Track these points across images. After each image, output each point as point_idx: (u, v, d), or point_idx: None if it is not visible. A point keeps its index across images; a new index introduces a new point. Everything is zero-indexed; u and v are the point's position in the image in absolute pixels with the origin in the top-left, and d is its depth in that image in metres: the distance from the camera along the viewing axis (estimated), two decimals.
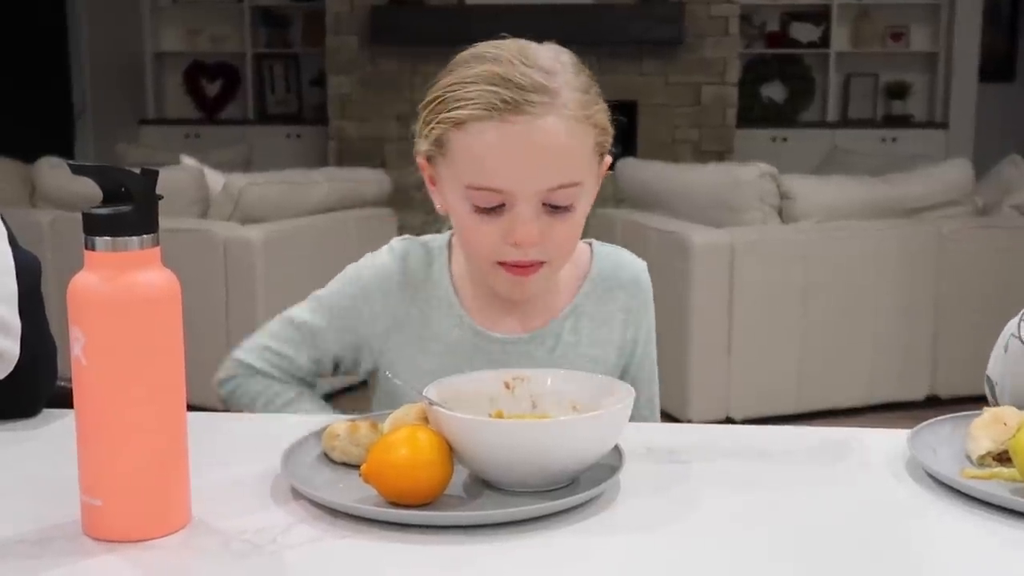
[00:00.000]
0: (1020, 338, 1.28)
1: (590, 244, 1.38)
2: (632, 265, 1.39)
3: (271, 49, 7.48)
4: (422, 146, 1.25)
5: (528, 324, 1.32)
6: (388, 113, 6.82)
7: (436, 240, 1.36)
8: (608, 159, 1.28)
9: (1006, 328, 1.36)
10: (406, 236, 1.38)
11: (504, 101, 1.16)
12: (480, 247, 1.23)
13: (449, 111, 1.19)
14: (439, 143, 1.22)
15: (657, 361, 1.44)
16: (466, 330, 1.31)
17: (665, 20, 6.57)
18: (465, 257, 1.30)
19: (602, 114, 1.23)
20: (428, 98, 1.24)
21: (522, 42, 1.22)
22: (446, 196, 1.25)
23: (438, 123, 1.21)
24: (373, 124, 6.85)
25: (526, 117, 1.17)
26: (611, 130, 1.25)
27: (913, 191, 4.07)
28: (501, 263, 1.23)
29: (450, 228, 1.35)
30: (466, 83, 1.19)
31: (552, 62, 1.20)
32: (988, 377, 1.36)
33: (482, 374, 1.15)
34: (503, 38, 1.23)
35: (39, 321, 1.31)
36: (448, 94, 1.20)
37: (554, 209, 1.21)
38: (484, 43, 1.23)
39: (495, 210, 1.20)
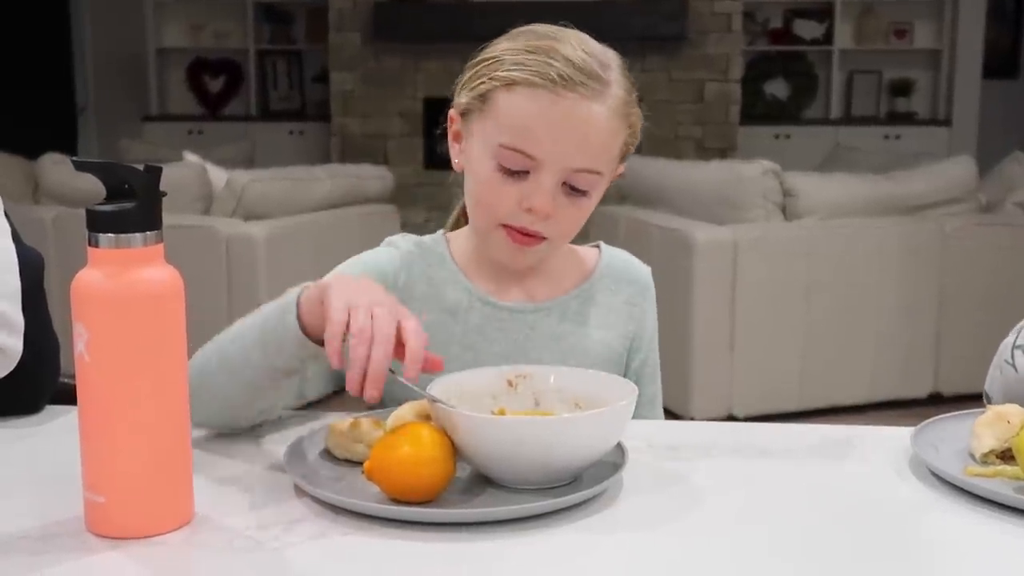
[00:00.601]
0: (1014, 365, 1.30)
1: (598, 246, 1.42)
2: (638, 266, 1.43)
3: (274, 45, 7.48)
4: (462, 98, 1.28)
5: (534, 298, 1.34)
6: (391, 110, 6.82)
7: (428, 238, 1.39)
8: (623, 166, 1.32)
9: (1002, 346, 1.37)
10: (400, 233, 1.41)
11: (560, 75, 1.21)
12: (494, 207, 1.26)
13: (503, 70, 1.23)
14: (483, 98, 1.25)
15: (660, 358, 1.45)
16: (475, 299, 1.33)
17: (668, 16, 6.57)
18: (473, 215, 1.32)
19: (637, 118, 1.29)
20: (481, 57, 1.27)
21: (579, 32, 1.27)
22: (471, 151, 1.28)
23: (489, 79, 1.24)
24: (376, 120, 6.85)
25: (576, 96, 1.21)
26: (639, 137, 1.30)
27: (916, 188, 4.06)
28: (505, 226, 1.26)
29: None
30: (527, 51, 1.23)
31: (606, 57, 1.26)
32: (986, 392, 1.37)
33: (484, 371, 1.15)
34: (567, 26, 1.28)
35: (42, 317, 1.31)
36: (506, 56, 1.24)
37: (571, 190, 1.25)
38: (543, 24, 1.28)
39: (518, 174, 1.24)
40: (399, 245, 1.36)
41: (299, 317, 1.08)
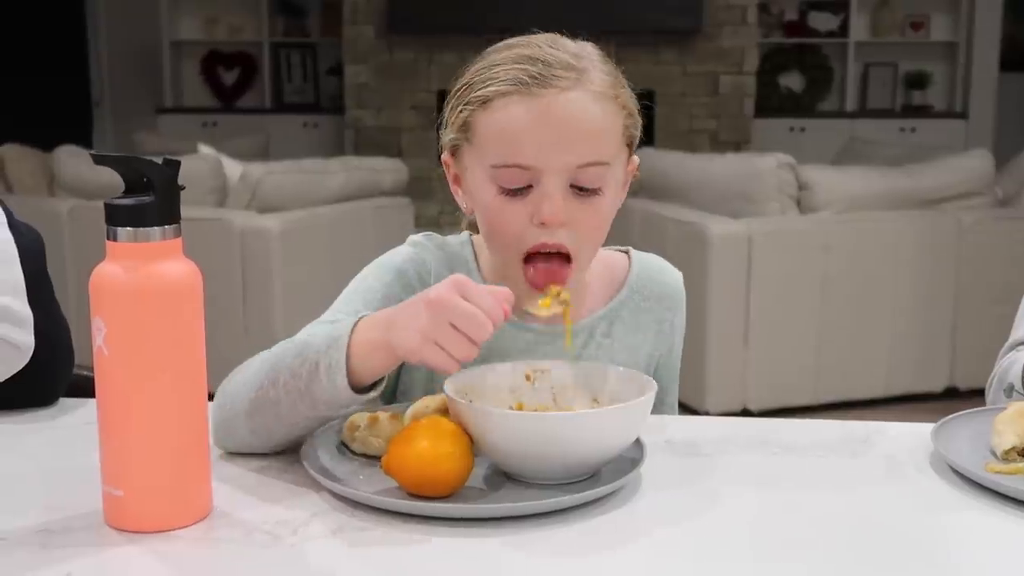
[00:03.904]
0: None
1: (627, 252, 1.36)
2: (671, 277, 1.37)
3: (288, 38, 7.48)
4: (448, 136, 1.23)
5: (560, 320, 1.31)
6: (405, 102, 6.82)
7: (454, 239, 1.33)
8: (636, 159, 1.26)
9: (1000, 371, 1.35)
10: (424, 232, 1.35)
11: (531, 76, 1.15)
12: (507, 234, 1.20)
13: (475, 92, 1.19)
14: (464, 128, 1.20)
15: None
16: None
17: (683, 9, 6.54)
18: (492, 251, 1.27)
19: (630, 100, 1.22)
20: (455, 87, 1.23)
21: (552, 34, 1.22)
22: (471, 187, 1.23)
23: (464, 107, 1.19)
24: (390, 113, 6.85)
25: (552, 91, 1.15)
26: (639, 118, 1.23)
27: (932, 182, 4.04)
28: (529, 260, 1.20)
29: (465, 224, 1.33)
30: (494, 65, 1.19)
31: (579, 48, 1.21)
32: None
33: (503, 366, 1.14)
34: (533, 32, 1.23)
35: (49, 305, 1.29)
36: (476, 78, 1.20)
37: (581, 191, 1.18)
38: (514, 37, 1.23)
39: (521, 192, 1.18)
40: (424, 246, 1.31)
41: (349, 373, 1.04)
